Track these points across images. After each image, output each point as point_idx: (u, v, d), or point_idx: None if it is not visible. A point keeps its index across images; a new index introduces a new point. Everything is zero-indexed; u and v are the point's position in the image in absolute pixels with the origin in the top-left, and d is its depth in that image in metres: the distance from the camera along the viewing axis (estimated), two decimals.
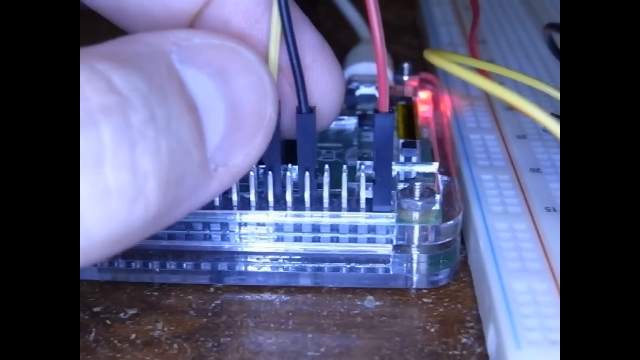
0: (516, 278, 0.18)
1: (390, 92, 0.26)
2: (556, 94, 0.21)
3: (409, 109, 0.24)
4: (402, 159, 0.22)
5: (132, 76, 0.14)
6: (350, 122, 0.24)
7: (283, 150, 0.20)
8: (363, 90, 0.26)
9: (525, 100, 0.17)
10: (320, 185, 0.20)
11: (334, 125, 0.24)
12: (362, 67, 0.27)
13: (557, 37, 0.21)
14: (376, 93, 0.26)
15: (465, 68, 0.18)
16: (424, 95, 0.25)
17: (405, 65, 0.27)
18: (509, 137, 0.23)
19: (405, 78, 0.27)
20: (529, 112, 0.17)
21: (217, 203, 0.20)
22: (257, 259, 0.20)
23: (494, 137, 0.23)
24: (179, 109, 0.15)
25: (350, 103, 0.25)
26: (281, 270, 0.20)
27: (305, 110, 0.19)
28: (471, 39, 0.24)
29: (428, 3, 0.34)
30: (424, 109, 0.25)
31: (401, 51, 0.34)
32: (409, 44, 0.34)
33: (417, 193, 0.20)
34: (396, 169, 0.21)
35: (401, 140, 0.22)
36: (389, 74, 0.27)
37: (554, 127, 0.16)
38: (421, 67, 0.30)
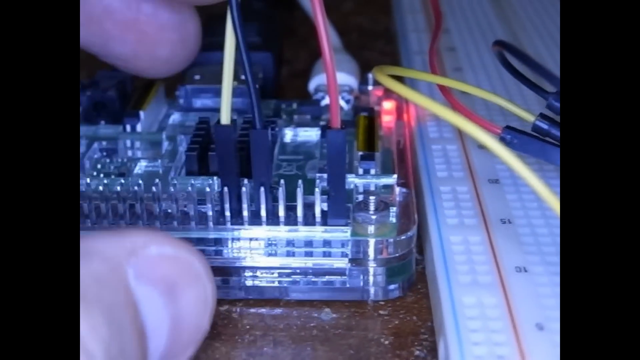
0: (466, 292, 0.18)
1: (355, 102, 0.26)
2: (509, 106, 0.21)
3: (371, 120, 0.24)
4: (360, 171, 0.22)
5: (97, 325, 0.14)
6: (312, 134, 0.24)
7: (239, 164, 0.20)
8: (328, 100, 0.26)
9: (467, 121, 0.17)
10: (277, 200, 0.20)
11: (297, 137, 0.24)
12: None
13: (509, 54, 0.21)
14: (342, 104, 0.26)
15: (411, 87, 0.18)
16: (388, 105, 0.26)
17: (370, 75, 0.27)
18: (470, 148, 0.23)
19: (370, 88, 0.27)
20: (471, 133, 0.17)
21: (175, 219, 0.20)
22: (215, 273, 0.20)
23: (455, 148, 0.23)
24: (131, 341, 0.15)
25: (315, 114, 0.25)
26: (239, 283, 0.20)
27: (259, 126, 0.20)
28: (431, 50, 0.24)
29: (400, 9, 0.34)
30: (387, 119, 0.25)
31: (374, 57, 0.34)
32: (382, 50, 0.34)
33: (371, 207, 0.20)
34: (354, 181, 0.21)
35: (360, 153, 0.22)
36: (355, 83, 0.27)
37: (495, 147, 0.16)
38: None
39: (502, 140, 0.21)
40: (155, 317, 0.15)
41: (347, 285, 0.20)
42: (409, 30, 0.32)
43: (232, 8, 0.19)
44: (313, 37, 0.32)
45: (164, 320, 0.16)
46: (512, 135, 0.20)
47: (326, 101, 0.26)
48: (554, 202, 0.16)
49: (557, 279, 0.18)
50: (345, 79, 0.27)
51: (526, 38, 0.30)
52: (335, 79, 0.19)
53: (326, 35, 0.19)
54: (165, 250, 0.16)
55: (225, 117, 0.20)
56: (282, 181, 0.20)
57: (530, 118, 0.21)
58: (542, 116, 0.20)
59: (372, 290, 0.20)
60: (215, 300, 0.17)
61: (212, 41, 0.24)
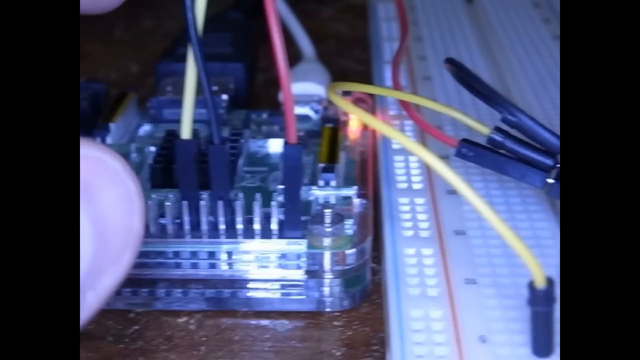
0: (414, 304, 0.18)
1: (324, 112, 0.26)
2: (464, 119, 0.21)
3: (335, 131, 0.24)
4: (321, 183, 0.22)
5: None
6: (277, 145, 0.25)
7: (202, 177, 0.21)
8: (298, 110, 0.27)
9: (414, 142, 0.17)
10: (234, 212, 0.21)
11: (263, 148, 0.25)
12: (299, 87, 0.28)
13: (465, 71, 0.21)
14: (311, 114, 0.27)
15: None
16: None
17: (338, 91, 0.27)
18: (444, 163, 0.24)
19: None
20: (418, 154, 0.17)
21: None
22: (175, 285, 0.21)
23: (416, 158, 0.24)
24: None
25: (282, 124, 0.26)
26: (198, 295, 0.20)
27: (218, 142, 0.20)
28: (394, 62, 0.25)
29: (376, 17, 0.34)
30: (354, 130, 0.25)
31: (349, 65, 0.34)
32: (358, 57, 0.35)
33: (327, 219, 0.20)
34: (315, 193, 0.22)
35: (321, 165, 0.23)
36: (324, 93, 0.28)
37: (441, 168, 0.17)
38: (364, 80, 0.30)
39: (458, 152, 0.21)
40: None
41: (303, 297, 0.20)
42: (382, 38, 0.32)
43: (189, 23, 0.19)
44: (291, 44, 0.33)
45: (84, 224, 0.14)
46: (468, 148, 0.21)
47: (296, 111, 0.27)
48: (493, 219, 0.16)
49: (504, 291, 0.18)
50: (315, 88, 0.28)
51: (498, 47, 0.31)
52: (290, 93, 0.19)
53: (282, 51, 0.19)
54: None
55: (186, 132, 0.20)
56: (240, 194, 0.21)
57: (485, 131, 0.21)
58: (497, 129, 0.21)
59: (327, 301, 0.20)
60: (142, 199, 0.15)
61: (184, 52, 0.24)
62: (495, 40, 0.31)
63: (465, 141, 0.21)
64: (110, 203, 0.15)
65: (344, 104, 0.19)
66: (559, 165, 0.20)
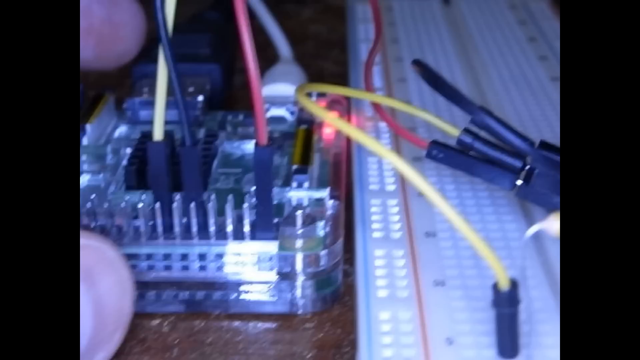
0: (383, 306, 0.18)
1: (299, 114, 0.27)
2: (435, 121, 0.21)
3: (309, 133, 0.24)
4: (294, 184, 0.22)
5: None
6: (251, 146, 0.25)
7: (175, 178, 0.21)
8: (273, 111, 0.27)
9: (380, 146, 0.17)
10: (206, 214, 0.21)
11: (238, 149, 0.25)
12: (275, 88, 0.28)
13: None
14: (286, 115, 0.27)
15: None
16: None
17: (313, 93, 0.27)
18: (404, 160, 0.24)
19: (314, 99, 0.27)
20: (386, 158, 0.17)
21: (110, 234, 0.21)
22: (148, 287, 0.21)
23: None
24: None
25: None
26: (171, 298, 0.21)
27: (189, 143, 0.20)
28: (367, 64, 0.25)
29: (353, 18, 0.35)
30: (328, 132, 0.25)
31: (327, 66, 0.34)
32: (336, 59, 0.35)
33: (298, 221, 0.20)
34: (288, 195, 0.22)
35: (294, 166, 0.23)
36: None
37: (407, 171, 0.17)
38: (341, 82, 0.31)
39: (429, 154, 0.21)
40: (79, 302, 0.17)
41: (275, 299, 0.20)
42: (359, 39, 0.32)
43: (159, 24, 0.19)
44: (270, 46, 0.33)
45: (87, 304, 0.17)
46: (438, 150, 0.21)
47: (271, 112, 0.27)
48: (458, 222, 0.16)
49: (472, 293, 0.19)
50: (291, 90, 0.28)
51: (474, 48, 0.31)
52: (260, 95, 0.19)
53: (251, 51, 0.19)
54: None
55: (158, 133, 0.20)
56: (212, 196, 0.21)
57: (456, 132, 0.21)
58: (466, 131, 0.21)
59: (299, 303, 0.20)
60: (133, 284, 0.18)
61: None
62: (471, 41, 0.32)
63: (435, 143, 0.21)
64: (107, 287, 0.17)
65: (311, 106, 0.19)
66: (527, 167, 0.20)
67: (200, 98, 0.26)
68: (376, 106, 0.23)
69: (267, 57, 0.32)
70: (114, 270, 0.18)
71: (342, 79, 0.31)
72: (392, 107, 0.21)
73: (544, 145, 0.20)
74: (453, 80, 0.29)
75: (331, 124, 0.19)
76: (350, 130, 0.18)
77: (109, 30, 0.25)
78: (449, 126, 0.21)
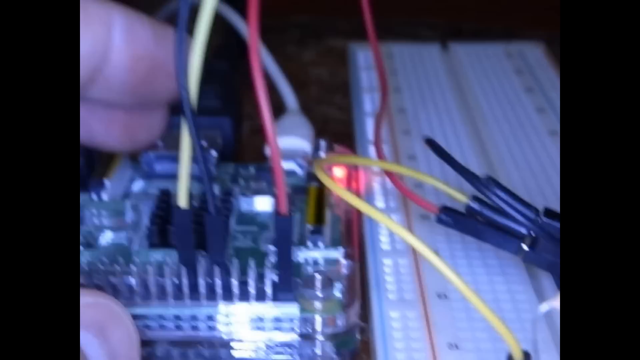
0: None
1: (308, 167, 0.28)
2: (443, 187, 0.23)
3: (321, 192, 0.26)
4: (310, 244, 0.23)
5: None
6: (267, 203, 0.26)
7: (197, 237, 0.22)
8: (284, 165, 0.28)
9: (396, 224, 0.18)
10: (229, 274, 0.22)
11: (252, 206, 0.26)
12: (284, 142, 0.29)
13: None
14: (297, 169, 0.28)
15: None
16: (338, 172, 0.27)
17: (322, 143, 0.28)
18: (413, 217, 0.25)
19: (322, 154, 0.28)
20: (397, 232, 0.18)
21: (137, 294, 0.22)
22: (176, 346, 0.22)
23: (399, 218, 0.25)
24: None
25: (269, 180, 0.27)
26: (196, 356, 0.22)
27: (214, 213, 0.21)
28: (376, 134, 0.26)
29: (355, 64, 0.36)
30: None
31: (331, 113, 0.35)
32: (339, 104, 0.36)
33: (317, 284, 0.22)
34: (304, 255, 0.23)
35: (309, 227, 0.24)
36: (308, 147, 0.29)
37: (427, 254, 0.18)
38: (346, 129, 0.32)
39: (439, 219, 0.22)
40: (96, 356, 0.18)
41: (296, 358, 0.22)
42: (362, 89, 0.33)
43: (184, 103, 0.20)
44: (274, 90, 0.34)
45: (102, 358, 0.18)
46: (447, 215, 0.22)
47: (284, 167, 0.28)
48: (475, 301, 0.18)
49: (485, 356, 0.20)
50: (300, 143, 0.29)
51: (472, 99, 0.32)
52: (281, 168, 0.20)
53: (271, 128, 0.20)
54: (85, 299, 0.18)
55: (183, 201, 0.21)
56: (234, 261, 0.22)
57: (464, 199, 0.22)
58: (474, 198, 0.22)
59: None
60: (138, 337, 0.19)
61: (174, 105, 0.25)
62: (470, 91, 0.33)
63: (445, 209, 0.22)
64: (118, 340, 0.19)
65: (328, 182, 0.20)
66: (532, 234, 0.22)
67: (214, 153, 0.27)
68: (387, 171, 0.24)
69: (273, 102, 0.33)
70: (122, 324, 0.19)
71: (346, 127, 0.33)
72: (403, 172, 0.23)
73: (548, 213, 0.22)
74: (455, 133, 0.30)
75: (345, 198, 0.20)
76: (364, 207, 0.19)
77: (133, 120, 0.25)
78: (458, 193, 0.22)
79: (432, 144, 0.22)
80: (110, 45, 0.21)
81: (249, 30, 0.19)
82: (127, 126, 0.25)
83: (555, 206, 0.22)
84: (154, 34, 0.22)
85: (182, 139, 0.21)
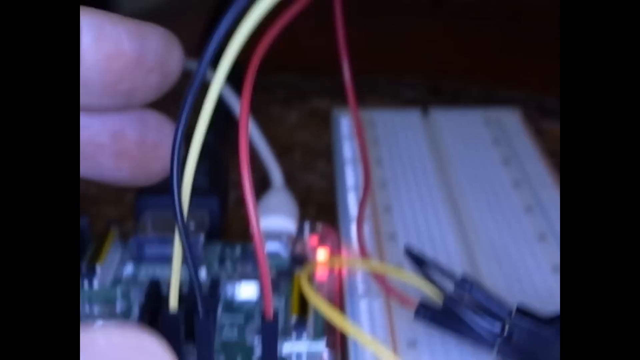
0: None
1: (293, 248, 0.29)
2: (423, 287, 0.24)
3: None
4: (294, 335, 0.25)
5: None
6: (251, 290, 0.27)
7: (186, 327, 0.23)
8: (268, 246, 0.29)
9: (379, 346, 0.19)
10: None
11: (238, 294, 0.27)
12: (269, 221, 0.30)
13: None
14: (281, 251, 0.29)
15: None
16: (321, 254, 0.28)
17: (306, 225, 0.29)
18: (393, 305, 0.26)
19: (306, 235, 0.29)
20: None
21: None
22: None
23: (380, 303, 0.26)
24: None
25: (253, 264, 0.28)
26: None
27: (203, 317, 0.22)
28: (359, 228, 0.27)
29: (338, 132, 0.37)
30: (321, 272, 0.28)
31: (314, 181, 0.36)
32: (322, 172, 0.37)
33: None
34: (289, 348, 0.24)
35: (294, 317, 0.25)
36: (293, 227, 0.30)
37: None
38: (329, 199, 0.33)
39: (417, 315, 0.23)
40: None
41: None
42: (345, 160, 0.34)
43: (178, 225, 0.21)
44: (254, 169, 0.35)
45: None
46: (425, 312, 0.23)
47: (266, 248, 0.29)
48: None
49: None
50: (284, 223, 0.30)
51: (453, 171, 0.33)
52: (267, 273, 0.22)
53: (258, 231, 0.21)
54: (113, 338, 0.17)
55: (173, 303, 0.22)
56: (221, 357, 0.23)
57: (440, 296, 0.23)
58: (450, 297, 0.23)
59: None
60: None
61: (163, 184, 0.24)
62: (450, 163, 0.34)
63: (422, 306, 0.23)
64: None
65: (312, 296, 0.21)
66: (505, 333, 0.23)
67: (202, 238, 0.28)
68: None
69: (258, 172, 0.34)
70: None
71: (329, 197, 0.34)
72: (384, 272, 0.24)
73: (520, 311, 0.23)
74: (434, 210, 0.31)
75: (326, 315, 0.21)
76: (346, 326, 0.20)
77: (143, 152, 0.25)
78: (436, 290, 0.24)
79: (411, 255, 0.23)
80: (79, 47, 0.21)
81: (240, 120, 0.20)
82: (137, 157, 0.25)
83: (530, 286, 0.23)
84: (127, 31, 0.22)
85: (174, 244, 0.22)
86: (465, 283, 0.23)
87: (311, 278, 0.27)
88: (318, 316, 0.26)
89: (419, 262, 0.23)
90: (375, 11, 0.52)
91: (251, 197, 0.21)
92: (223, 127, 0.36)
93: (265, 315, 0.22)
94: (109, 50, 0.22)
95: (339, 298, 0.27)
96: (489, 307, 0.23)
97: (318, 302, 0.21)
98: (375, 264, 0.24)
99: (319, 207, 0.34)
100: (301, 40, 0.40)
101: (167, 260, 0.26)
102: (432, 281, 0.23)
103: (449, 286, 0.23)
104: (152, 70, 0.20)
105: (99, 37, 0.21)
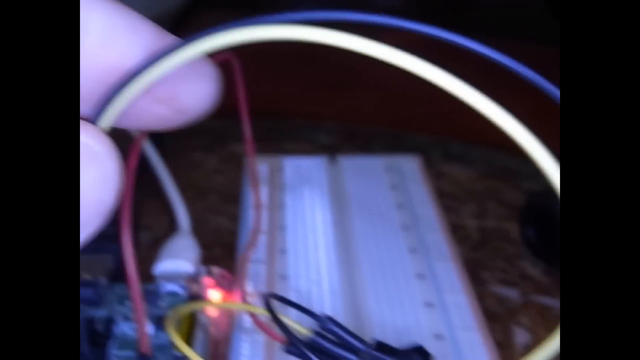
0: None
1: (189, 288, 0.31)
2: (290, 324, 0.26)
3: (192, 316, 0.29)
4: None
5: None
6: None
7: None
8: (168, 287, 0.31)
9: None
10: None
11: (131, 331, 0.29)
12: (171, 264, 0.32)
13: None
14: (179, 290, 0.31)
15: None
16: (214, 296, 0.30)
17: (201, 269, 0.31)
18: (275, 343, 0.28)
19: (203, 277, 0.31)
20: None
21: None
22: None
23: (263, 339, 0.28)
24: None
25: (152, 302, 0.30)
26: None
27: (87, 351, 0.24)
28: (242, 261, 0.29)
29: (247, 177, 0.39)
30: (213, 314, 0.30)
31: (224, 224, 0.39)
32: (233, 215, 0.39)
33: None
34: None
35: (178, 355, 0.27)
36: (192, 270, 0.32)
37: None
38: (234, 243, 0.35)
39: (287, 350, 0.26)
40: None
41: None
42: (248, 205, 0.37)
43: None
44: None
45: None
46: (295, 347, 0.26)
47: (166, 288, 0.31)
48: None
49: None
50: (184, 266, 0.32)
51: (349, 215, 0.36)
52: (142, 311, 0.24)
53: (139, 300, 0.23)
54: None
55: None
56: None
57: (307, 333, 0.26)
58: (316, 332, 0.25)
59: None
60: (119, 176, 0.16)
61: None
62: (348, 206, 0.36)
63: (291, 342, 0.26)
64: (88, 180, 0.16)
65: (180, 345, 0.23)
66: None
67: (104, 281, 0.30)
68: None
69: (172, 216, 0.36)
70: (98, 165, 0.16)
71: (232, 237, 0.36)
72: (255, 312, 0.26)
73: (379, 345, 0.25)
74: (327, 250, 0.33)
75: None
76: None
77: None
78: (301, 328, 0.26)
79: (266, 302, 0.26)
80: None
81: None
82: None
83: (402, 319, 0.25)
84: (141, 43, 0.17)
85: None
86: (327, 321, 0.25)
87: (194, 317, 0.29)
88: (206, 349, 0.28)
89: (284, 301, 0.25)
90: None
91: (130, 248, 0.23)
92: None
93: (140, 350, 0.24)
94: (112, 61, 0.17)
95: (228, 331, 0.29)
96: (348, 342, 0.25)
97: (178, 342, 0.23)
98: (244, 304, 0.26)
99: (225, 249, 0.36)
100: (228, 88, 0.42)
101: None
102: (280, 323, 0.25)
103: (314, 324, 0.26)
104: (160, 102, 0.18)
105: (106, 40, 0.17)
